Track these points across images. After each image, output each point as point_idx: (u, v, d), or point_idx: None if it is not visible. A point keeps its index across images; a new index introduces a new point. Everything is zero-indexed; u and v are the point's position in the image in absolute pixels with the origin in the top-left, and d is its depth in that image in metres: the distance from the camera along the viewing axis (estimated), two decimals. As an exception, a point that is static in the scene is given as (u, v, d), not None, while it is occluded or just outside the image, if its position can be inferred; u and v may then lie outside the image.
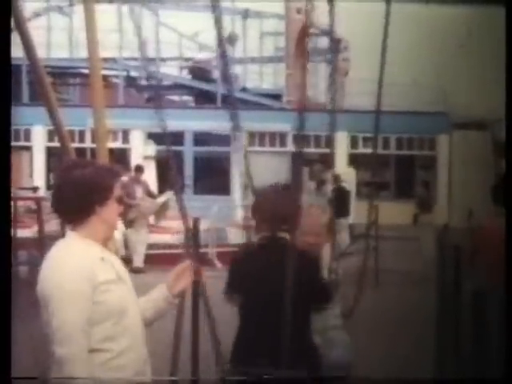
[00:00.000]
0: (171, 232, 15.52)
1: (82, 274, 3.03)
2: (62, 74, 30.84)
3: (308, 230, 3.95)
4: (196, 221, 5.74)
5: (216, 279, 5.29)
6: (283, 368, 3.43)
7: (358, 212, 18.97)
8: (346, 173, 19.63)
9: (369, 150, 27.49)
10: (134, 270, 13.93)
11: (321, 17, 4.20)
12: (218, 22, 3.18)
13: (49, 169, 27.40)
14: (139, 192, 15.18)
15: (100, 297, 3.05)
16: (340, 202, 17.68)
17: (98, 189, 3.15)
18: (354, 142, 27.60)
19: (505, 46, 3.18)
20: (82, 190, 3.14)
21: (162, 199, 15.99)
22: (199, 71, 30.80)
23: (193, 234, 5.70)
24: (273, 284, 3.64)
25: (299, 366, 3.54)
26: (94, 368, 3.04)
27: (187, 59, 31.93)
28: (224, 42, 3.52)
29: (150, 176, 17.73)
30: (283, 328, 3.41)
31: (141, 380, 3.22)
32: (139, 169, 15.81)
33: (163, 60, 32.33)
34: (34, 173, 27.57)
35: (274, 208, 3.88)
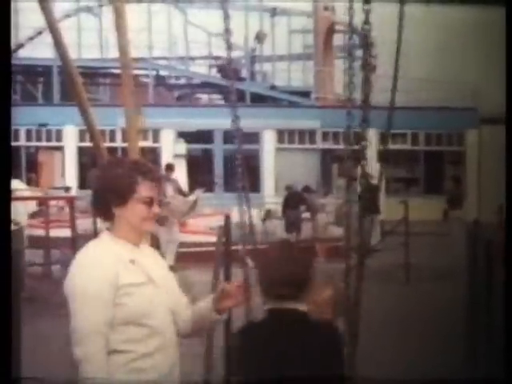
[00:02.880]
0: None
1: (103, 276, 3.03)
2: (93, 74, 31.08)
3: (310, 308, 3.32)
4: (227, 218, 5.80)
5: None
6: None
7: (387, 208, 18.95)
8: (375, 169, 19.57)
9: (398, 147, 27.46)
10: (167, 269, 14.06)
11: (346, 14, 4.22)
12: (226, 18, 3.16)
13: (81, 168, 27.64)
14: (170, 190, 15.26)
15: (121, 299, 3.05)
16: (369, 199, 17.65)
17: (114, 191, 3.12)
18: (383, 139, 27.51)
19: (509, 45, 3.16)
20: (101, 191, 3.15)
21: (192, 198, 16.07)
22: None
23: (224, 232, 5.76)
24: (284, 363, 3.09)
25: None
26: (115, 369, 3.04)
27: (216, 58, 32.05)
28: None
29: (181, 174, 17.82)
30: None
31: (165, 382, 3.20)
32: (170, 167, 15.91)
33: (192, 59, 32.50)
34: (65, 173, 27.81)
35: (282, 270, 3.20)
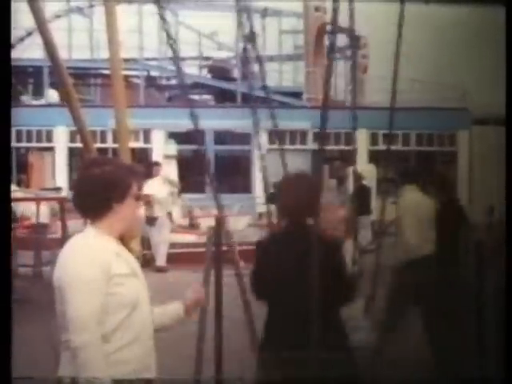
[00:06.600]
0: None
1: (97, 265, 3.13)
2: (83, 74, 30.98)
3: (325, 225, 3.99)
4: (219, 219, 5.78)
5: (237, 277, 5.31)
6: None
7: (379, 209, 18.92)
8: (366, 170, 19.53)
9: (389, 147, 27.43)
10: (157, 269, 14.05)
11: (340, 14, 4.24)
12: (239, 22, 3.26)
13: (71, 169, 27.54)
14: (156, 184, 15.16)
15: (113, 289, 3.15)
16: (361, 200, 17.58)
17: (115, 186, 3.27)
18: (374, 139, 27.52)
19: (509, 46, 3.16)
20: (100, 187, 3.25)
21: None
22: (219, 70, 30.89)
23: (216, 233, 5.74)
24: (298, 271, 3.74)
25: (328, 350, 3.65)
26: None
27: (207, 58, 32.00)
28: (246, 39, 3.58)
29: (172, 175, 17.79)
30: (311, 314, 3.48)
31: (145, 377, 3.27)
32: (156, 164, 16.15)
33: (183, 59, 32.44)
34: (56, 173, 27.71)
35: (297, 194, 3.97)
